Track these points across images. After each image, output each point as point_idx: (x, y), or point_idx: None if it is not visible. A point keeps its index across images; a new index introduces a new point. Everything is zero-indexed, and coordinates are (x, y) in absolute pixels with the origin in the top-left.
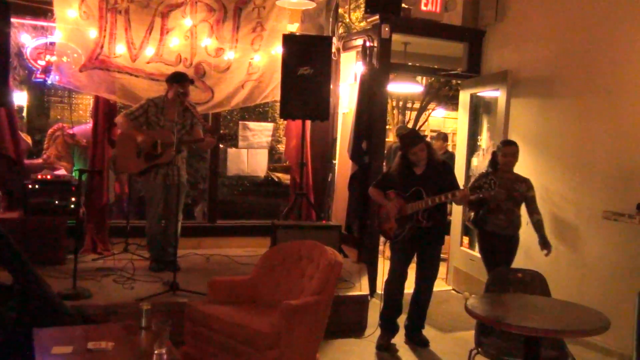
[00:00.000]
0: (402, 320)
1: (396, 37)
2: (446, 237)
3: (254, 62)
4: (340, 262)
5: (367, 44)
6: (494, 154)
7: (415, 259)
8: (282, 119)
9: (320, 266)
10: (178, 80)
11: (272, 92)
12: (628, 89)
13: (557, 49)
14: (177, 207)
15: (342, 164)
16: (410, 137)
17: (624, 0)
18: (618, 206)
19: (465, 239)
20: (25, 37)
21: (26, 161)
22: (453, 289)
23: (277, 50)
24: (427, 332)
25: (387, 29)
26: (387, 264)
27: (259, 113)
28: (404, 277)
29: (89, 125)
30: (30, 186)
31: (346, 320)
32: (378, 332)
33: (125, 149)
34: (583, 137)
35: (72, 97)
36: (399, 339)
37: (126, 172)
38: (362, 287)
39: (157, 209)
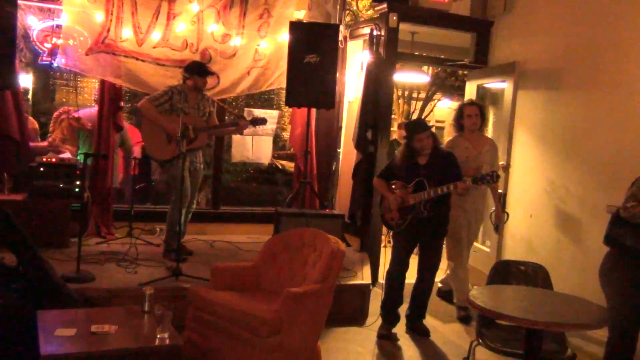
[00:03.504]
0: (403, 309)
1: (404, 27)
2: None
3: (260, 48)
4: (343, 251)
5: (375, 32)
6: None
7: (417, 249)
8: (287, 107)
9: (323, 254)
10: (202, 73)
11: (278, 80)
12: (634, 82)
13: (565, 41)
14: (194, 193)
15: (347, 153)
16: (418, 123)
17: None
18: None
19: None
20: (31, 19)
21: (31, 144)
22: None
23: (284, 37)
24: (428, 322)
25: (394, 17)
26: (389, 253)
27: (264, 100)
28: (405, 267)
29: (94, 109)
30: (35, 169)
31: (348, 308)
32: (379, 321)
33: (153, 135)
34: (589, 130)
35: (78, 80)
36: (400, 329)
37: (156, 159)
38: (364, 276)
39: (181, 195)
